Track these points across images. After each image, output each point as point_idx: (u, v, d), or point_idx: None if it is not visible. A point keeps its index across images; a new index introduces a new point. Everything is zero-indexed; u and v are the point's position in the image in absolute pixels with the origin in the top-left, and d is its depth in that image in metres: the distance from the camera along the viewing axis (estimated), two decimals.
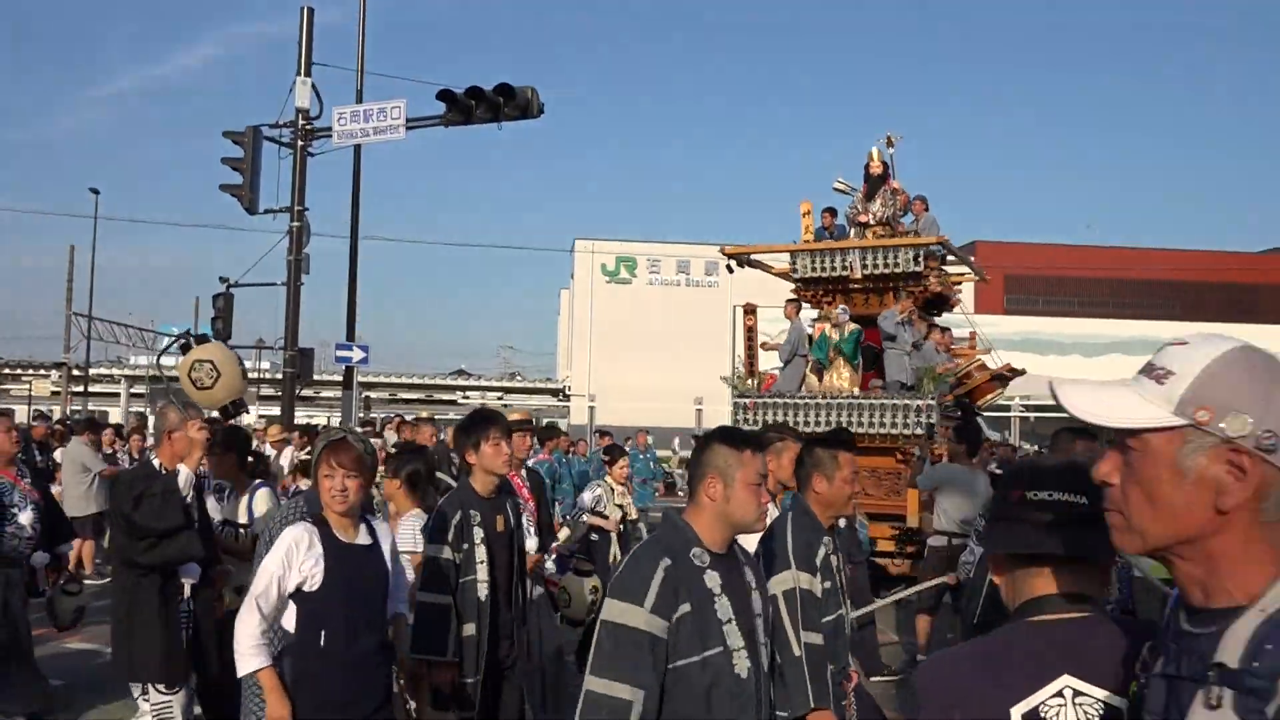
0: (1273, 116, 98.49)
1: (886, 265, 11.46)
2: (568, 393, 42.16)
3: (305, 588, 3.48)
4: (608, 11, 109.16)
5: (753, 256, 13.46)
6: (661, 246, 42.79)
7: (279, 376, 13.72)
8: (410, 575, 4.49)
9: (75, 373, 34.79)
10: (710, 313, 36.72)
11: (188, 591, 4.66)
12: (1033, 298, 41.23)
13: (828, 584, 3.54)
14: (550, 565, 6.42)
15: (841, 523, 4.97)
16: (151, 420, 24.94)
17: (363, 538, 3.64)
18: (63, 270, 34.48)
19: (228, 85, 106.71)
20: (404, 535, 4.78)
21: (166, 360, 11.73)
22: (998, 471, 8.68)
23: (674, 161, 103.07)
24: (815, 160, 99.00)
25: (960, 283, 13.34)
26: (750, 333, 12.84)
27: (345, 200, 15.24)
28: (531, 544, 5.78)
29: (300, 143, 12.90)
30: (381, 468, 5.90)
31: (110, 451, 12.63)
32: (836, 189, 13.08)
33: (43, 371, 39.50)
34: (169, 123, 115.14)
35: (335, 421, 20.71)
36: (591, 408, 34.56)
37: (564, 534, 7.92)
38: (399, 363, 61.81)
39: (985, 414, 13.66)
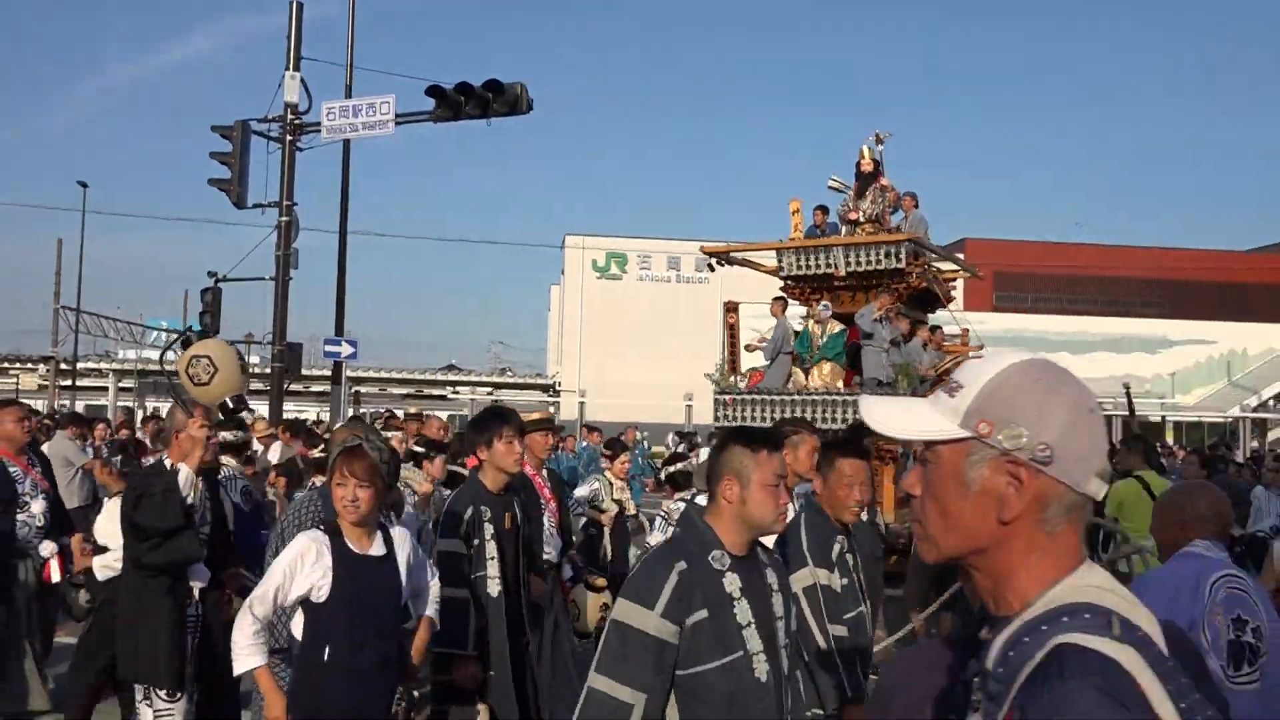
0: (1260, 116, 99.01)
1: (869, 262, 11.48)
2: (558, 389, 42.13)
3: (313, 598, 3.42)
4: (599, 7, 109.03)
5: (743, 255, 13.48)
6: (652, 243, 42.81)
7: (267, 371, 13.64)
8: None
9: (63, 367, 34.62)
10: (701, 309, 36.75)
11: (196, 594, 4.62)
12: (1021, 295, 41.40)
13: (845, 580, 3.55)
14: (566, 570, 6.32)
15: (864, 515, 4.99)
16: (139, 415, 24.83)
17: (376, 548, 3.56)
18: (50, 264, 34.28)
19: (217, 79, 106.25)
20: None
21: (166, 355, 11.69)
22: None
23: (665, 158, 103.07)
24: (807, 157, 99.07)
25: (953, 280, 13.36)
26: (732, 330, 12.88)
27: (335, 195, 15.21)
28: (553, 546, 5.74)
29: (289, 137, 12.85)
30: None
31: (98, 445, 12.58)
32: (831, 187, 13.10)
33: (30, 365, 39.27)
34: (158, 116, 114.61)
35: (324, 416, 20.66)
36: (581, 403, 34.48)
37: None
38: (389, 358, 61.72)
39: None
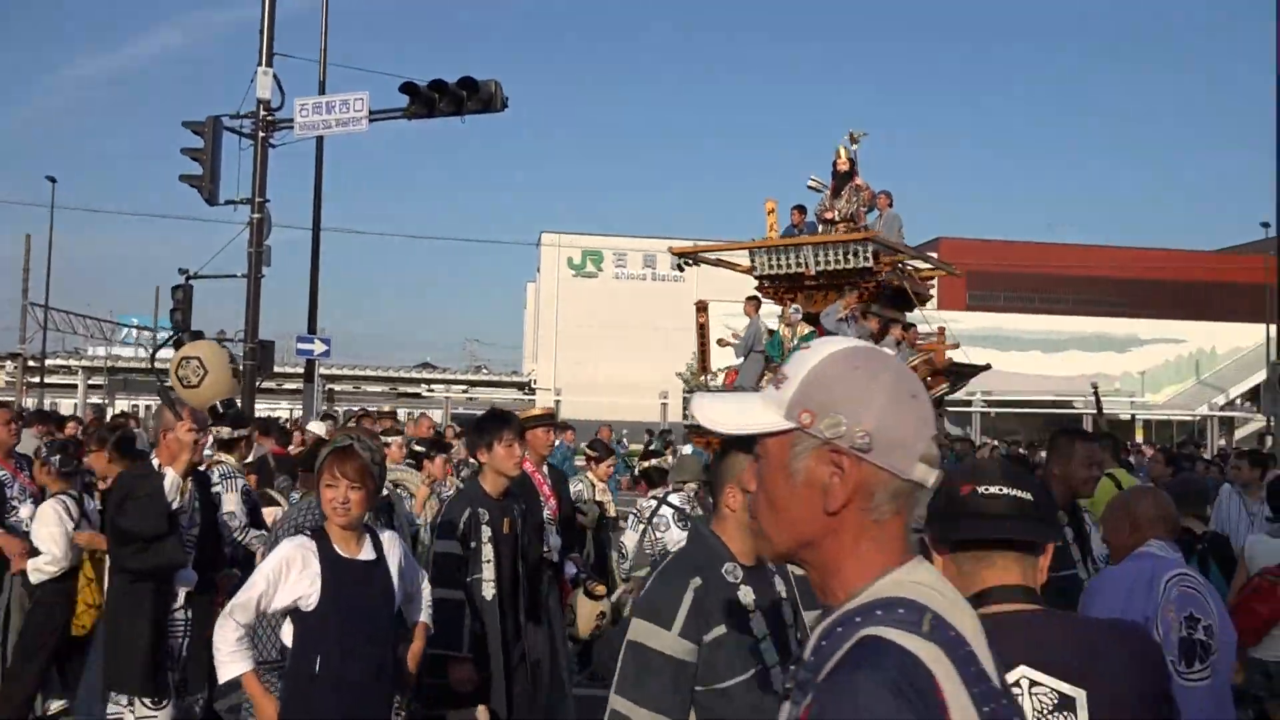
0: (1228, 120, 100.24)
1: (836, 261, 11.57)
2: (533, 386, 42.07)
3: (301, 607, 3.27)
4: (574, 5, 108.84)
5: (718, 255, 13.55)
6: (628, 241, 42.80)
7: (239, 369, 13.56)
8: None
9: (31, 364, 34.21)
10: (676, 307, 36.74)
11: (182, 598, 4.51)
12: (994, 294, 41.72)
13: (719, 631, 3.49)
14: (569, 568, 6.23)
15: None
16: (110, 413, 24.61)
17: (366, 552, 3.41)
18: (19, 259, 33.92)
19: (189, 74, 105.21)
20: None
21: (157, 356, 11.57)
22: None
23: (642, 156, 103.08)
24: (783, 156, 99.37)
25: (931, 278, 13.45)
26: (703, 329, 12.96)
27: (309, 191, 15.13)
28: (555, 542, 5.68)
29: (261, 134, 12.76)
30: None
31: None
32: (810, 186, 13.19)
33: None
34: (129, 111, 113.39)
35: (297, 414, 20.54)
36: (557, 401, 34.48)
37: None
38: (364, 356, 61.38)
39: (948, 410, 13.83)
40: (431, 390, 42.10)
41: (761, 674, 2.47)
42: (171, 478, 4.28)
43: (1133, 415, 36.73)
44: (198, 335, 4.69)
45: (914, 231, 13.14)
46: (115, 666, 4.30)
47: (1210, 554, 4.71)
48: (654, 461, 7.16)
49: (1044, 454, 13.70)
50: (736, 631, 2.47)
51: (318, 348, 14.51)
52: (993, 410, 35.28)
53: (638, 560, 6.48)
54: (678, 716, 2.41)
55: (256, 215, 12.88)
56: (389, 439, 6.93)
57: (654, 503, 6.62)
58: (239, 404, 7.47)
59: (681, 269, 13.67)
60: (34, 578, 5.00)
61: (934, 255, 19.00)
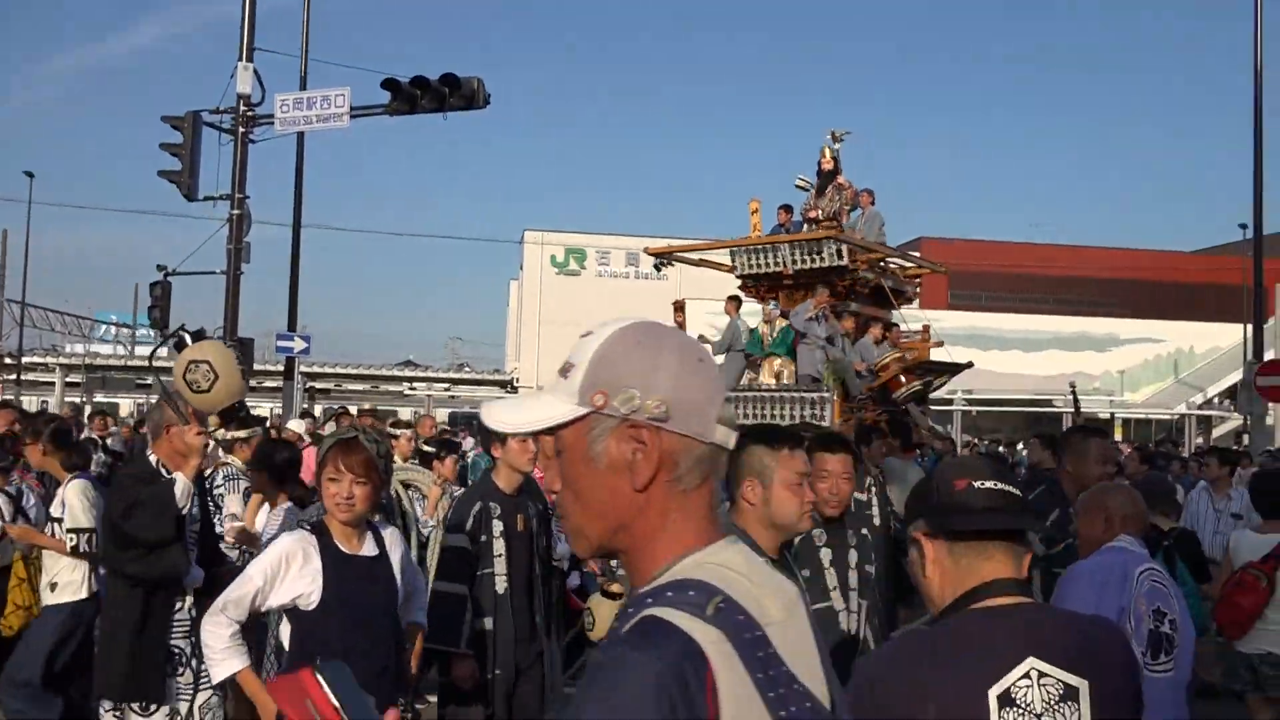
0: (1210, 121, 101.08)
1: (812, 260, 11.62)
2: (516, 385, 42.00)
3: (301, 606, 3.12)
4: (558, 2, 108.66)
5: (701, 255, 13.61)
6: (611, 239, 42.81)
7: (245, 370, 13.48)
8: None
9: (8, 361, 33.91)
10: (659, 306, 36.63)
11: (190, 599, 4.36)
12: (976, 294, 41.94)
13: (805, 572, 3.27)
14: (574, 579, 6.13)
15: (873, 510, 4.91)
16: (88, 410, 24.38)
17: (368, 548, 3.27)
18: None
19: (168, 69, 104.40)
20: (269, 532, 4.71)
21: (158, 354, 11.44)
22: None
23: (625, 154, 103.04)
24: (769, 155, 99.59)
25: (917, 277, 13.47)
26: (680, 329, 13.03)
27: (289, 188, 15.06)
28: (563, 550, 5.55)
29: (241, 129, 12.69)
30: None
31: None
32: (798, 185, 13.25)
33: None
34: (108, 106, 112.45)
35: (276, 412, 20.42)
36: None
37: None
38: (346, 353, 61.07)
39: (932, 408, 13.86)
40: (413, 388, 41.93)
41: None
42: (184, 485, 4.18)
43: (1112, 414, 36.98)
44: (200, 335, 4.56)
45: (897, 231, 13.21)
46: (105, 673, 4.18)
47: (1176, 550, 4.77)
48: None
49: (1024, 452, 13.71)
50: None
51: (297, 345, 14.46)
52: (974, 409, 35.47)
53: None
54: None
55: (236, 211, 12.81)
56: (399, 431, 6.85)
57: None
58: (247, 406, 7.42)
59: (659, 269, 13.73)
60: None
61: (916, 254, 19.05)
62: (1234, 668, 5.15)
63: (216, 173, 12.85)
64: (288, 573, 3.11)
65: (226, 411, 5.52)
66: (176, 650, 4.23)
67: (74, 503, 5.18)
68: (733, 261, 12.70)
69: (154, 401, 4.72)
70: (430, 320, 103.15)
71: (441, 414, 31.64)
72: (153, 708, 4.15)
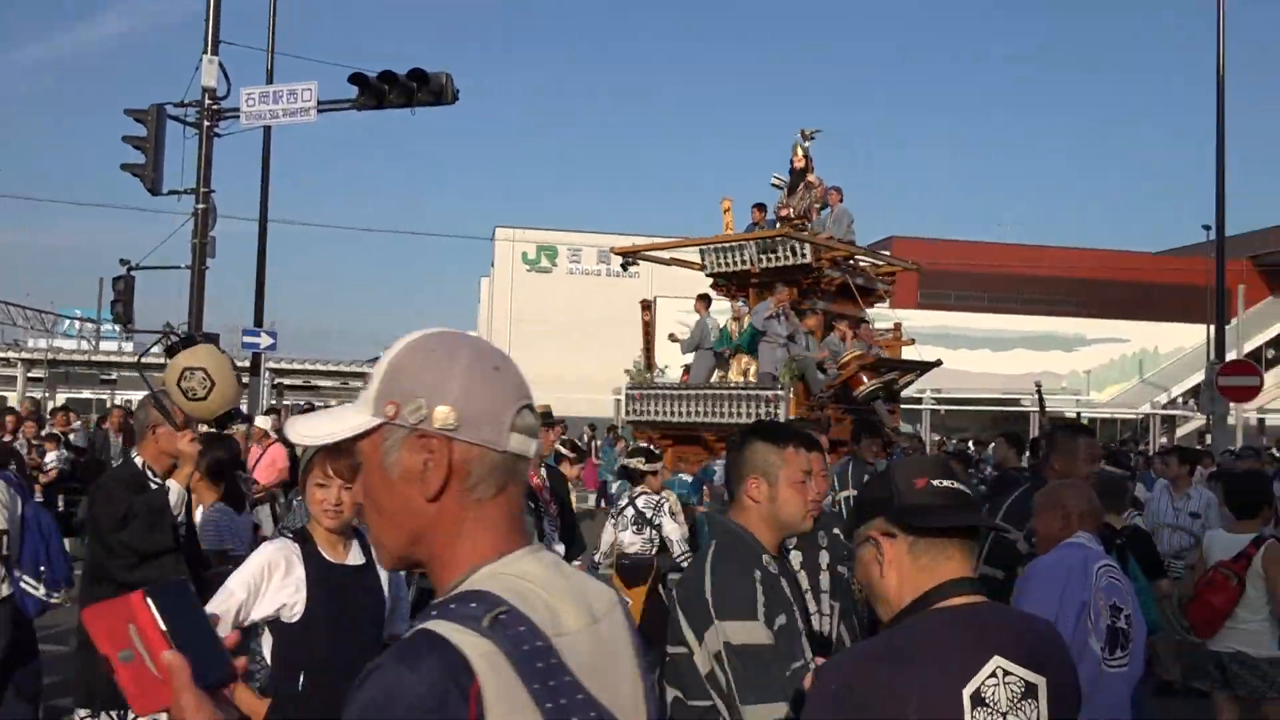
0: (1176, 124, 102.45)
1: (776, 259, 11.66)
2: None
3: (284, 618, 2.98)
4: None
5: (671, 254, 13.63)
6: (583, 236, 42.72)
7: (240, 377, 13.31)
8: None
9: None
10: (631, 303, 36.58)
11: None
12: (945, 293, 42.23)
13: (782, 619, 2.69)
14: None
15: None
16: (50, 405, 24.00)
17: (354, 557, 3.14)
18: None
19: (133, 61, 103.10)
20: (206, 531, 4.59)
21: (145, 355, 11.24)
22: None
23: (597, 152, 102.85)
24: (742, 154, 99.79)
25: (889, 275, 13.51)
26: (648, 327, 13.06)
27: (257, 182, 14.89)
28: (559, 549, 5.45)
29: (206, 123, 12.53)
30: None
31: (9, 439, 12.14)
32: (774, 184, 13.29)
33: None
34: (71, 98, 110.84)
35: (243, 407, 20.18)
36: None
37: None
38: (316, 349, 60.66)
39: (902, 406, 13.91)
40: None
41: (803, 669, 2.42)
42: (177, 491, 4.08)
43: (1078, 414, 37.38)
44: (190, 341, 4.40)
45: (867, 230, 13.25)
46: (88, 680, 4.05)
47: (1129, 548, 4.83)
48: (633, 461, 6.94)
49: (991, 450, 13.75)
50: (790, 621, 2.44)
51: (264, 341, 14.32)
52: (942, 408, 35.75)
53: (608, 555, 6.45)
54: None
55: (201, 206, 12.65)
56: None
57: (626, 500, 6.58)
58: (243, 414, 7.30)
59: (625, 268, 13.76)
60: None
61: (887, 253, 19.16)
62: (1200, 665, 5.20)
63: (181, 167, 12.72)
64: (270, 583, 2.97)
65: (222, 418, 5.40)
66: None
67: None
68: (702, 260, 12.74)
69: (140, 400, 4.59)
70: (401, 316, 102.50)
71: None
72: (130, 714, 3.98)
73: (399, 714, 1.00)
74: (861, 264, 13.04)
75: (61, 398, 32.25)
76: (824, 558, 3.44)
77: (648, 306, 13.10)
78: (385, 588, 3.19)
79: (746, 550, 2.50)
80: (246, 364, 19.83)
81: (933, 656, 1.57)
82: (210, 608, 2.81)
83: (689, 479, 9.45)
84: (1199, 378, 29.43)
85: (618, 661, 1.20)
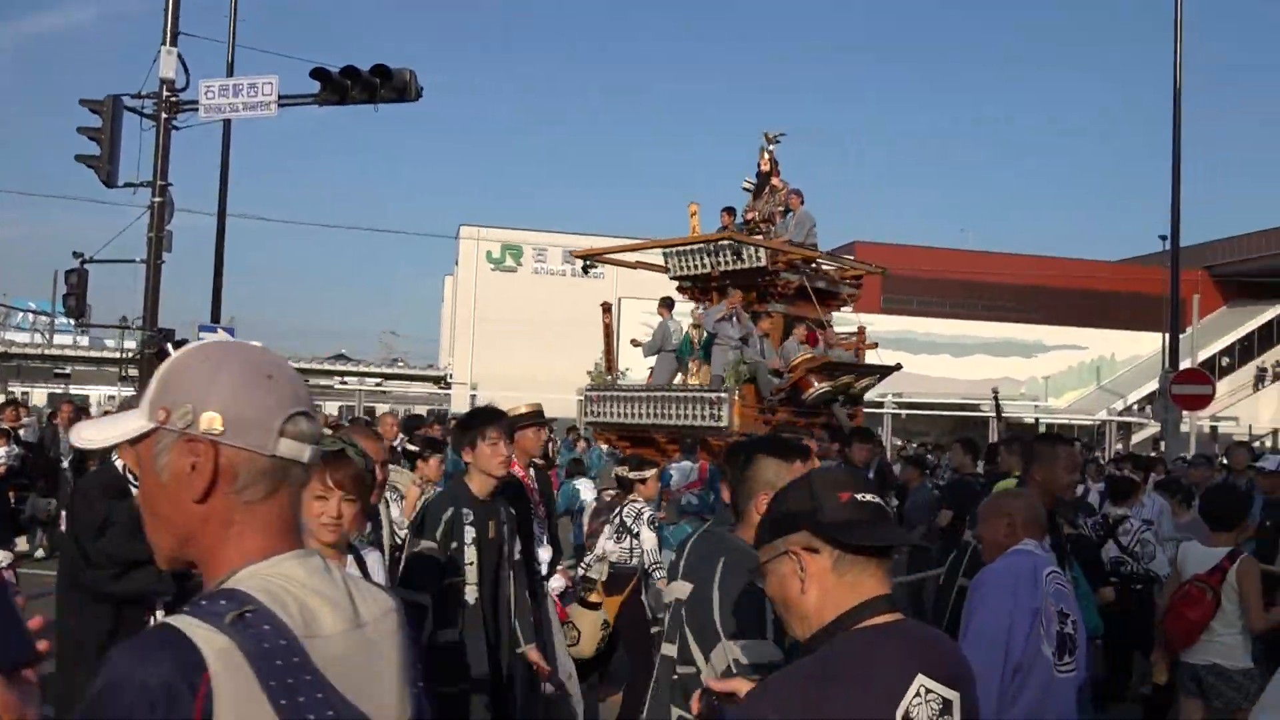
0: (1135, 136, 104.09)
1: (731, 263, 11.70)
2: (449, 381, 41.63)
3: None
4: None
5: (637, 257, 13.60)
6: (548, 236, 42.61)
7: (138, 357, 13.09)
8: None
9: None
10: (596, 304, 36.55)
11: (161, 612, 4.08)
12: (907, 298, 42.61)
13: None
14: (557, 581, 5.80)
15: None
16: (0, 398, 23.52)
17: (350, 572, 3.11)
18: None
19: (91, 51, 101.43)
20: None
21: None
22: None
23: (566, 151, 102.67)
24: (710, 157, 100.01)
25: (852, 277, 13.50)
26: (608, 330, 13.07)
27: (216, 176, 14.68)
28: (545, 554, 5.33)
29: (164, 115, 12.33)
30: None
31: None
32: (744, 188, 13.28)
33: None
34: (25, 88, 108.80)
35: None
36: (473, 396, 34.18)
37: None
38: (278, 346, 59.94)
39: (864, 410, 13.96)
40: (344, 382, 41.31)
41: None
42: None
43: (1036, 419, 37.87)
44: (184, 343, 4.26)
45: (832, 235, 13.30)
46: (70, 690, 3.87)
47: (1073, 555, 4.86)
48: (621, 469, 6.84)
49: (947, 455, 13.79)
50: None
51: (220, 337, 14.10)
52: (903, 412, 36.04)
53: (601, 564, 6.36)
54: None
55: (158, 199, 12.45)
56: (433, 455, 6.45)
57: (617, 509, 6.52)
58: None
59: (586, 271, 13.74)
60: None
61: (850, 258, 19.24)
62: (1179, 677, 5.24)
63: (138, 159, 12.49)
64: None
65: None
66: None
67: None
68: (666, 263, 12.74)
69: (125, 399, 4.43)
70: (364, 314, 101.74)
71: (379, 410, 31.13)
72: None
73: (126, 703, 1.05)
74: (825, 267, 13.06)
75: (17, 391, 31.64)
76: None
77: (608, 309, 13.10)
78: None
79: (751, 566, 2.45)
80: None
81: (863, 677, 1.55)
82: None
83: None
84: (1154, 385, 29.95)
85: (380, 666, 1.26)
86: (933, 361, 39.63)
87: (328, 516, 2.89)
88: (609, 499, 8.73)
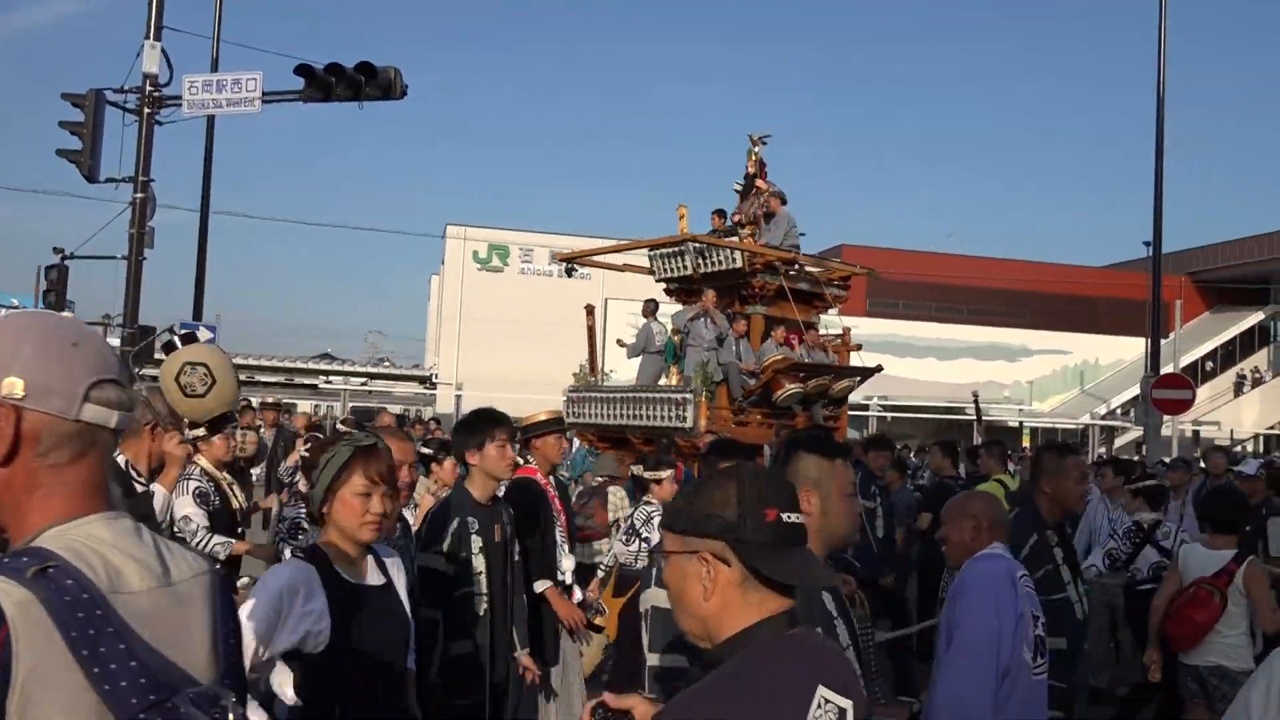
0: (1121, 142, 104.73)
1: (708, 265, 11.72)
2: (435, 380, 41.49)
3: (307, 649, 2.63)
4: None
5: (625, 260, 13.61)
6: (535, 236, 42.51)
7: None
8: None
9: None
10: (581, 304, 36.49)
11: None
12: (893, 302, 42.73)
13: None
14: (579, 594, 5.64)
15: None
16: None
17: (373, 576, 2.82)
18: None
19: (75, 44, 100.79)
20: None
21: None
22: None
23: (553, 152, 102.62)
24: (700, 158, 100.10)
25: (837, 279, 13.48)
26: (591, 332, 13.10)
27: (200, 172, 14.59)
28: (569, 563, 5.25)
29: (147, 110, 12.24)
30: None
31: None
32: (735, 190, 13.28)
33: None
34: (6, 80, 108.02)
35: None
36: (458, 396, 34.15)
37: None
38: (260, 345, 59.69)
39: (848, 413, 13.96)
40: (329, 381, 41.13)
41: None
42: (162, 496, 3.89)
43: (1020, 423, 38.05)
44: (190, 338, 4.16)
45: (819, 239, 13.26)
46: None
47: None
48: (640, 469, 6.75)
49: (924, 457, 13.80)
50: (832, 640, 2.31)
51: (202, 335, 14.00)
52: (889, 415, 36.16)
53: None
54: None
55: (140, 195, 12.35)
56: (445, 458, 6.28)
57: (631, 511, 6.47)
58: (236, 416, 7.06)
59: (570, 273, 13.74)
60: None
61: (835, 261, 19.27)
62: (1182, 679, 5.25)
63: (120, 154, 12.40)
64: (290, 612, 2.62)
65: (216, 421, 5.12)
66: None
67: None
68: (651, 266, 12.75)
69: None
70: (350, 313, 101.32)
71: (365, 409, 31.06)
72: None
73: None
74: (810, 270, 13.05)
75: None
76: None
77: (591, 312, 13.12)
78: (407, 609, 2.93)
79: None
80: None
81: (770, 694, 1.53)
82: None
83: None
84: (1137, 390, 30.16)
85: (191, 621, 1.34)
86: (918, 365, 39.74)
87: (371, 514, 2.75)
88: (595, 484, 8.71)
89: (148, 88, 12.27)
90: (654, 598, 3.35)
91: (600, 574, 6.53)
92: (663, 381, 11.99)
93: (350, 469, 2.76)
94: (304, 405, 30.15)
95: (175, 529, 5.09)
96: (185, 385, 4.26)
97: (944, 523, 3.49)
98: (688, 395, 10.57)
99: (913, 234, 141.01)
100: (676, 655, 3.58)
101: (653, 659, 3.52)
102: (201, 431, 5.32)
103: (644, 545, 6.11)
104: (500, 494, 4.44)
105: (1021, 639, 3.08)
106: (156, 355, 13.93)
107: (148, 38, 12.22)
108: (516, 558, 4.40)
